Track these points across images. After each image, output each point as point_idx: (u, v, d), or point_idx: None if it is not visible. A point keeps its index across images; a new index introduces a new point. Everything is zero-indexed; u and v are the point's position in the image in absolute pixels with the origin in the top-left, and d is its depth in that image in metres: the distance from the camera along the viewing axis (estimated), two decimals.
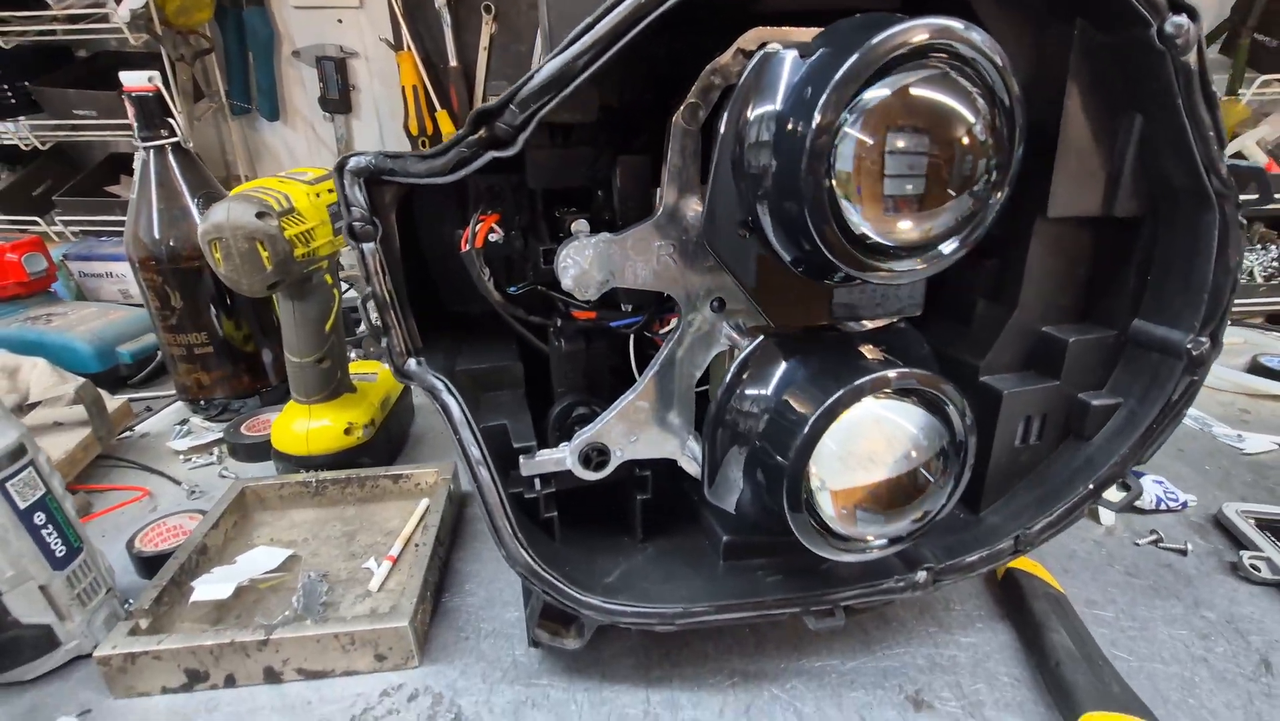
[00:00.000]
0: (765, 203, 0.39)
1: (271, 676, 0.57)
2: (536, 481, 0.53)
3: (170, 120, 0.88)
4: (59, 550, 0.57)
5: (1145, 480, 0.77)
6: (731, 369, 0.47)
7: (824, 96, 0.34)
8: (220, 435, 0.94)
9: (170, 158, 0.89)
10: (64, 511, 0.58)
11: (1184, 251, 0.47)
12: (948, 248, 0.39)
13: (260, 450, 0.88)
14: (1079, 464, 0.53)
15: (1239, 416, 0.96)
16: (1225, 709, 0.53)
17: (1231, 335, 1.15)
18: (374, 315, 0.49)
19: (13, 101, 1.26)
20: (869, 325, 0.49)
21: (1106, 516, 0.74)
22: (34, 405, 0.88)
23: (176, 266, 0.90)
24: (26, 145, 1.31)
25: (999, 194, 0.38)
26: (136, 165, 0.89)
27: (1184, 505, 0.75)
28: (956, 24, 0.35)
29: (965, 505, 0.57)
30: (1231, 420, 0.95)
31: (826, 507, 0.43)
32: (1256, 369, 1.05)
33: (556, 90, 0.38)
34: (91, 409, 0.86)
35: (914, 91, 0.35)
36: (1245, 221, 0.45)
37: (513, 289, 0.56)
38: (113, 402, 0.95)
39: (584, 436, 0.52)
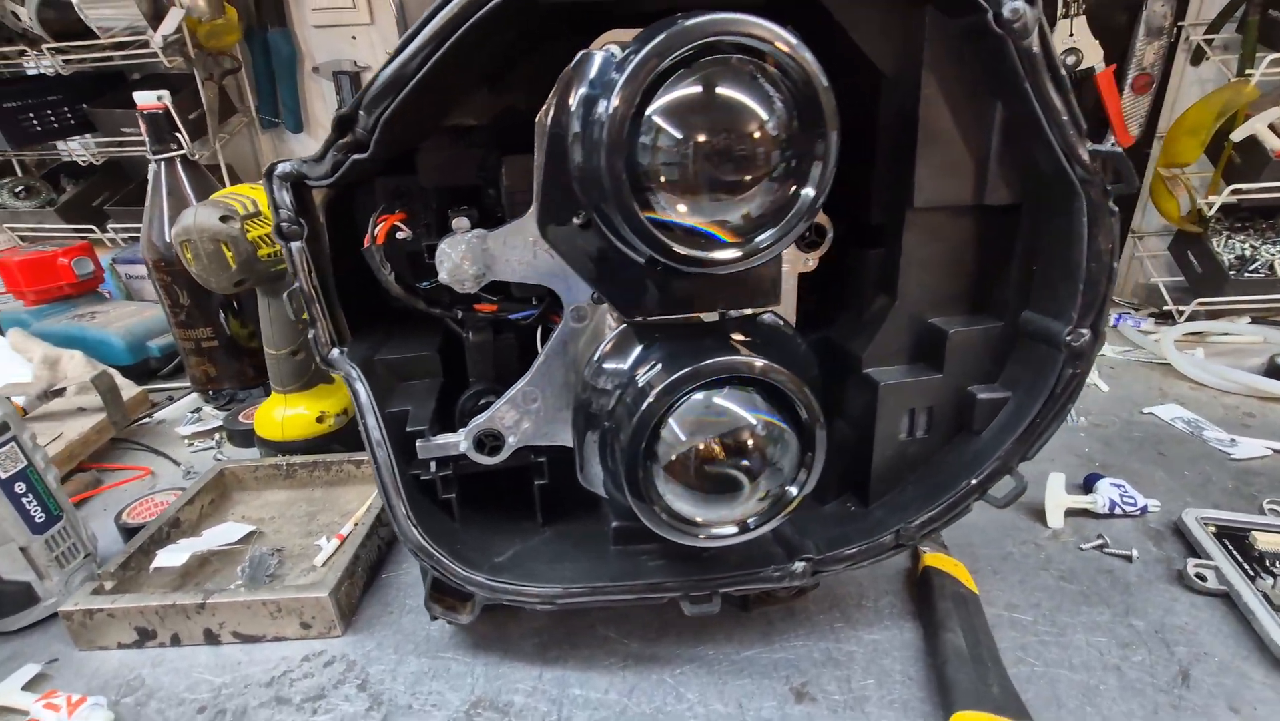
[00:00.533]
0: (589, 197, 0.41)
1: (211, 637, 0.62)
2: (433, 464, 0.56)
3: (177, 134, 0.97)
4: (38, 516, 0.64)
5: (1103, 483, 0.74)
6: (593, 354, 0.49)
7: (617, 89, 0.36)
8: (221, 422, 1.02)
9: (178, 168, 0.98)
10: (45, 483, 0.66)
11: (1060, 240, 0.46)
12: (765, 237, 0.39)
13: (252, 436, 0.96)
14: (967, 458, 0.52)
15: (1241, 420, 0.90)
16: (1123, 717, 0.50)
17: (1250, 333, 1.06)
18: (298, 308, 0.54)
19: (72, 122, 1.40)
20: (734, 315, 0.49)
21: (1054, 519, 0.71)
22: (61, 391, 0.98)
23: (184, 267, 0.99)
24: (84, 161, 1.46)
25: (809, 185, 0.39)
26: (150, 176, 0.98)
27: (1143, 510, 0.72)
28: (756, 23, 0.36)
29: (857, 499, 0.57)
30: (1230, 424, 0.89)
31: (664, 488, 0.44)
32: (1272, 369, 0.97)
33: (394, 94, 0.41)
34: (106, 396, 0.96)
35: (705, 85, 0.37)
36: (1115, 208, 0.44)
37: (425, 284, 0.59)
38: (130, 391, 1.04)
39: (477, 423, 0.55)
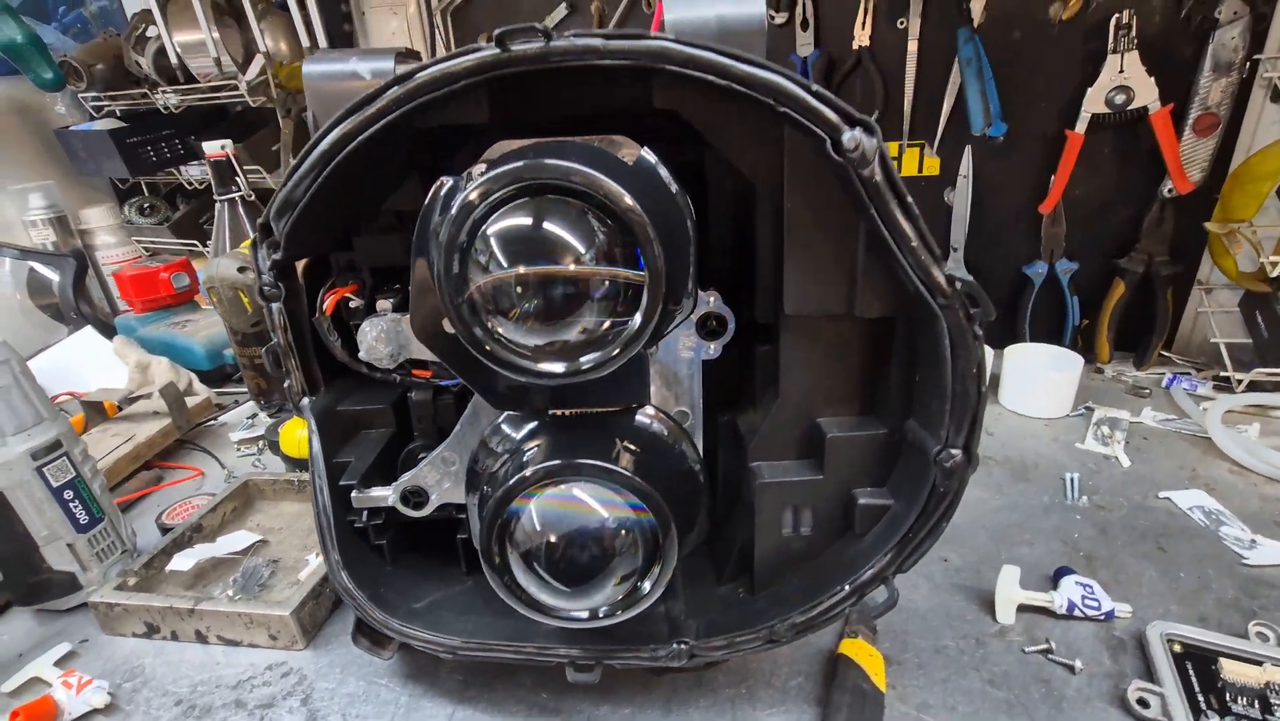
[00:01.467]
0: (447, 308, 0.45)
1: (201, 638, 0.73)
2: (365, 513, 0.62)
3: (237, 179, 1.10)
4: (83, 518, 0.77)
5: (1067, 580, 0.69)
6: (488, 428, 0.53)
7: (452, 218, 0.40)
8: (264, 433, 1.15)
9: (239, 208, 1.11)
10: (90, 489, 0.79)
11: (930, 356, 0.45)
12: (588, 360, 0.42)
13: None
14: (844, 561, 0.51)
15: (1275, 517, 0.80)
16: None
17: None
18: (274, 361, 0.61)
19: (181, 153, 1.61)
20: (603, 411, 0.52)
21: (1005, 613, 0.68)
22: (138, 399, 1.15)
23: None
24: (190, 185, 1.67)
25: (639, 314, 0.41)
26: (216, 214, 1.12)
27: (1109, 615, 0.66)
28: (580, 169, 0.39)
29: (749, 584, 0.57)
30: (1260, 521, 0.79)
31: (517, 569, 0.48)
32: None
33: (290, 210, 0.47)
34: (172, 405, 1.11)
35: (537, 220, 0.40)
36: (979, 331, 0.42)
37: None
38: (199, 397, 1.20)
39: (404, 479, 0.61)
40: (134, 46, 1.49)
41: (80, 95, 1.61)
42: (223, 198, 1.10)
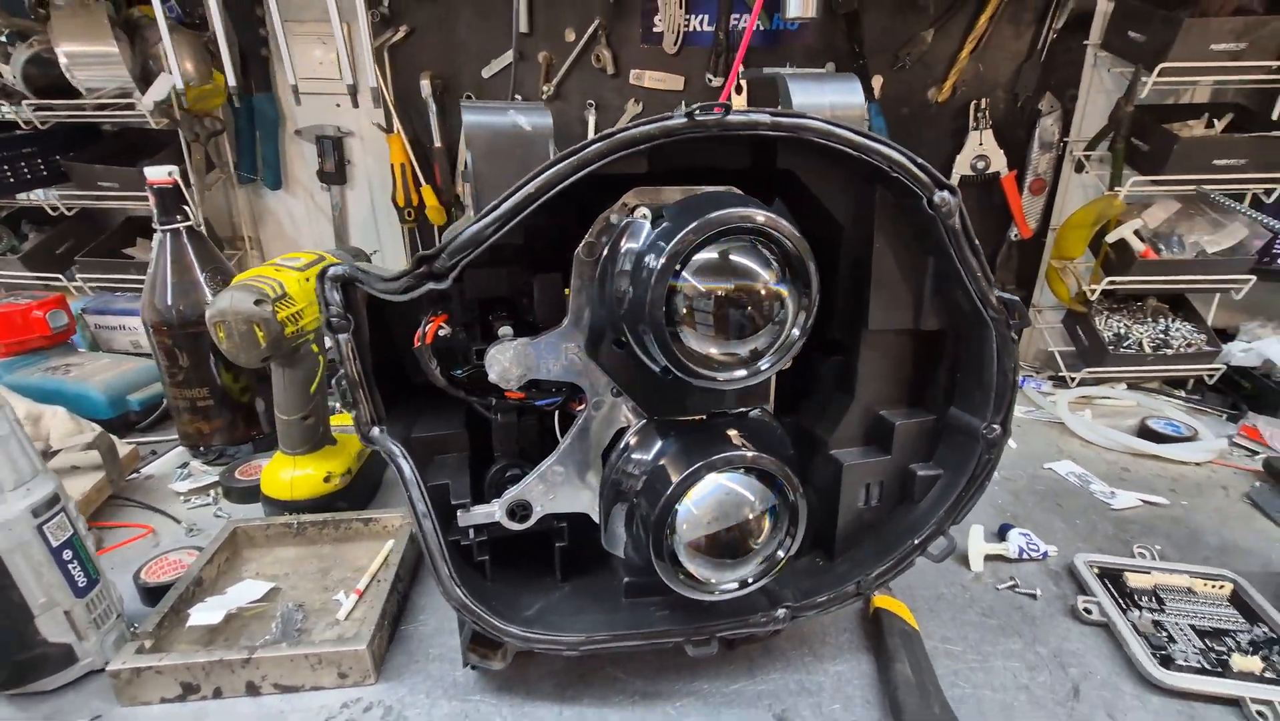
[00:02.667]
0: (629, 328, 0.53)
1: (252, 689, 0.69)
2: (471, 531, 0.65)
3: (185, 207, 1.02)
4: (81, 581, 0.69)
5: (1013, 532, 0.89)
6: (623, 442, 0.60)
7: (664, 255, 0.48)
8: (217, 478, 1.06)
9: (184, 239, 1.03)
10: (86, 548, 0.71)
11: (975, 358, 0.61)
12: (764, 364, 0.52)
13: (252, 493, 1.01)
14: (909, 523, 0.65)
15: (1119, 475, 1.09)
16: None
17: (1126, 398, 1.28)
18: (346, 391, 0.62)
19: (44, 174, 1.41)
20: (731, 413, 0.61)
21: (976, 563, 0.86)
22: (54, 451, 1.00)
23: (185, 330, 1.04)
24: (54, 211, 1.46)
25: (798, 326, 0.52)
26: (154, 244, 1.03)
27: (1044, 555, 0.87)
28: (760, 213, 0.49)
29: (824, 555, 0.69)
30: (1111, 478, 1.07)
31: (683, 555, 0.55)
32: (1143, 430, 1.17)
33: (473, 248, 0.52)
34: (106, 455, 0.99)
35: (726, 255, 0.49)
36: (1016, 338, 0.59)
37: (458, 371, 0.69)
38: (123, 449, 1.07)
39: (510, 495, 0.65)
40: None
41: None
42: (166, 227, 1.02)
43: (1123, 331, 1.29)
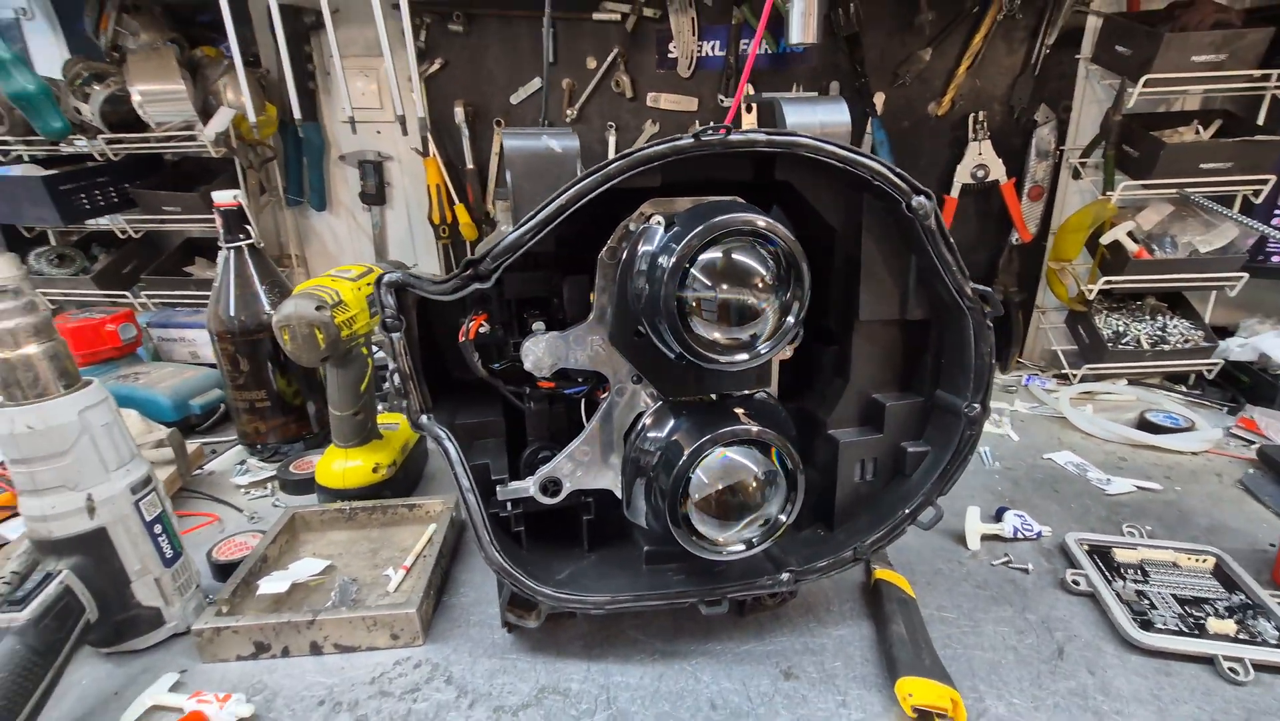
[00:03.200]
0: (646, 320, 0.61)
1: (315, 649, 0.77)
2: (508, 504, 0.74)
3: (247, 226, 1.14)
4: (169, 552, 0.79)
5: (1009, 514, 0.96)
6: (640, 423, 0.69)
7: (675, 255, 0.57)
8: (273, 473, 1.16)
9: (246, 255, 1.15)
10: (172, 525, 0.80)
11: (956, 344, 0.68)
12: (763, 348, 0.60)
13: (305, 485, 1.11)
14: (900, 495, 0.72)
15: (1116, 464, 1.14)
16: (1016, 681, 0.70)
17: (1126, 393, 1.33)
18: (398, 384, 0.71)
19: (115, 200, 1.55)
20: (737, 395, 0.70)
21: (973, 542, 0.92)
22: None
23: (246, 338, 1.15)
24: (122, 234, 1.60)
25: (792, 315, 0.60)
26: (219, 260, 1.15)
27: (1038, 535, 0.93)
28: (759, 218, 0.57)
29: (825, 527, 0.77)
30: (1108, 466, 1.12)
31: (694, 517, 0.63)
32: (1142, 423, 1.22)
33: (513, 253, 0.61)
34: (178, 451, 1.10)
35: (728, 254, 0.58)
36: (991, 325, 0.66)
37: (496, 365, 0.78)
38: (190, 447, 1.18)
39: (543, 472, 0.73)
40: (74, 92, 1.44)
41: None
42: (230, 245, 1.13)
43: (1121, 329, 1.34)
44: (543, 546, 0.78)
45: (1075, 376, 1.38)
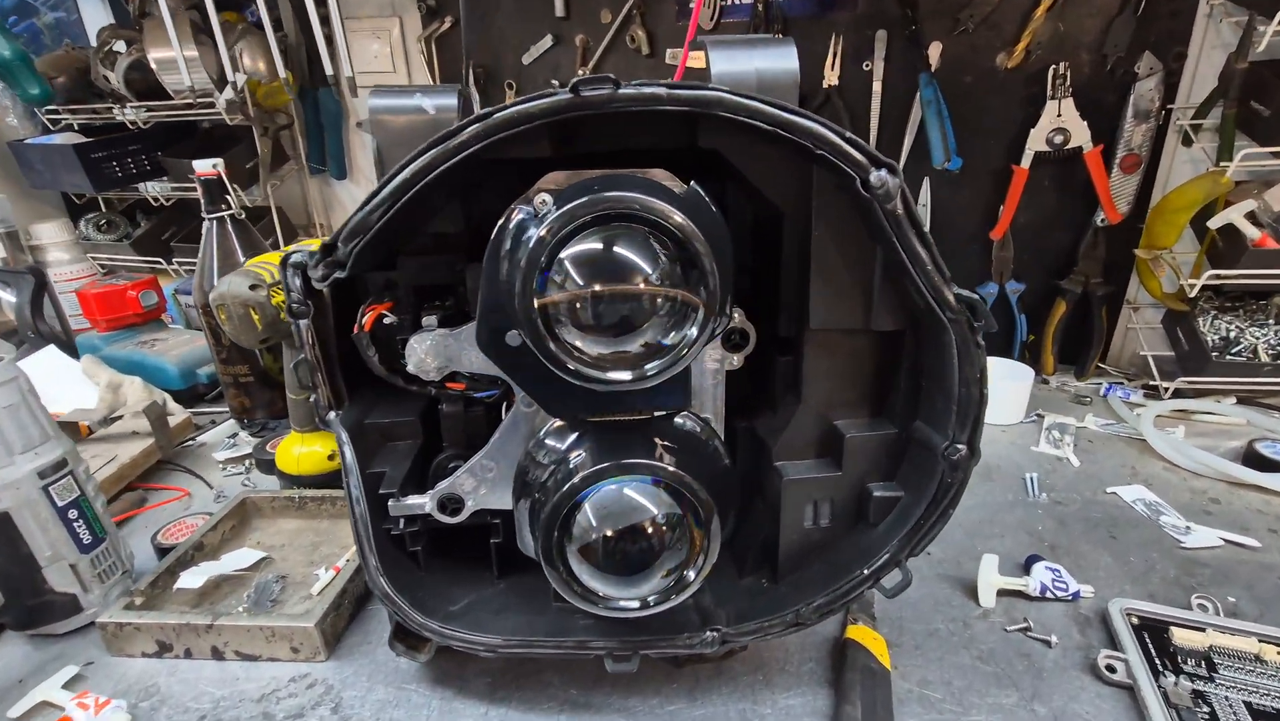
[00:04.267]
0: (516, 322, 0.49)
1: (217, 654, 0.73)
2: (402, 521, 0.65)
3: (228, 197, 1.10)
4: (86, 538, 0.76)
5: (1038, 566, 0.77)
6: (542, 430, 0.57)
7: (533, 243, 0.44)
8: (251, 450, 1.14)
9: (228, 226, 1.11)
10: (94, 509, 0.78)
11: (936, 363, 0.52)
12: (652, 367, 0.47)
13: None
14: (861, 548, 0.57)
15: (1204, 506, 0.91)
16: None
17: (1234, 414, 1.07)
18: (304, 376, 0.63)
19: (148, 169, 1.58)
20: (656, 415, 0.57)
21: (986, 598, 0.75)
22: (117, 417, 1.12)
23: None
24: (155, 202, 1.63)
25: (695, 326, 0.46)
26: (203, 231, 1.12)
27: (1075, 596, 0.75)
28: (647, 199, 0.44)
29: (770, 574, 0.63)
30: (1192, 510, 0.90)
31: (575, 563, 0.52)
32: (1250, 455, 0.98)
33: (361, 235, 0.51)
34: (155, 424, 1.09)
35: (609, 245, 0.44)
36: (981, 342, 0.49)
37: (405, 362, 0.69)
38: (179, 417, 1.18)
39: (441, 487, 0.64)
40: (102, 60, 1.46)
41: (36, 108, 1.57)
42: (212, 216, 1.10)
43: (1233, 335, 1.07)
44: (449, 567, 0.69)
45: (1167, 390, 1.13)
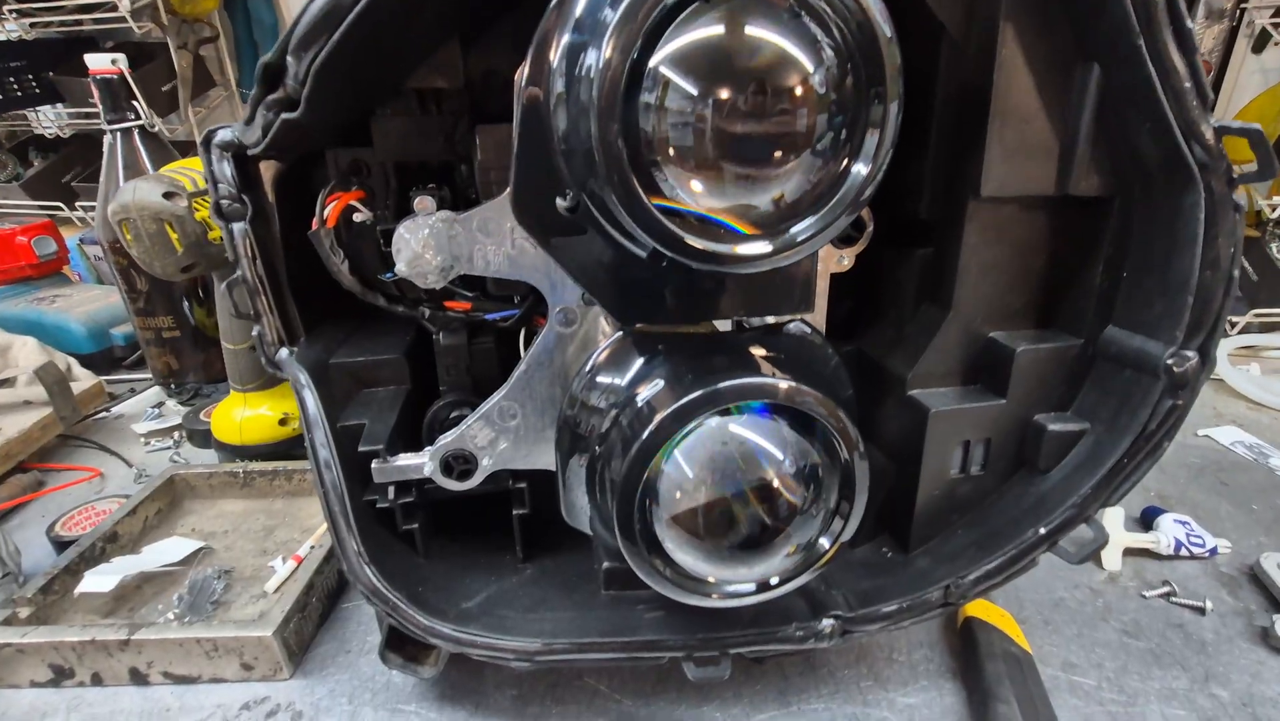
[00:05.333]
0: (578, 180, 0.32)
1: (138, 677, 0.54)
2: (391, 490, 0.47)
3: (135, 103, 0.88)
4: None
5: (1165, 519, 0.65)
6: (584, 365, 0.40)
7: (609, 32, 0.27)
8: (181, 420, 0.93)
9: (136, 140, 0.89)
10: None
11: (1163, 242, 0.37)
12: (801, 229, 0.30)
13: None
14: (1030, 502, 0.43)
15: None
16: None
17: None
18: (242, 300, 0.45)
19: (37, 91, 1.31)
20: (752, 326, 0.40)
21: (1111, 560, 0.62)
22: (6, 381, 0.89)
23: None
24: (52, 134, 1.37)
25: (864, 161, 0.30)
26: (105, 147, 0.89)
27: (1212, 552, 0.63)
28: None
29: (896, 544, 0.48)
30: None
31: (668, 538, 0.35)
32: None
33: (328, 31, 0.32)
34: (53, 389, 0.87)
35: (729, 24, 0.28)
36: (1241, 202, 0.35)
37: (388, 275, 0.51)
38: (87, 383, 0.96)
39: (445, 441, 0.46)
40: None
41: None
42: (115, 127, 0.87)
43: None
44: (455, 552, 0.52)
45: (1235, 325, 1.02)
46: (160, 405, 1.01)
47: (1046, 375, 0.42)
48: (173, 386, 1.00)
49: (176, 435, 0.92)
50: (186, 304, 0.96)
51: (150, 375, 1.08)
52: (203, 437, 0.89)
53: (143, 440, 0.92)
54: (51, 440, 0.88)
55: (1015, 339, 0.42)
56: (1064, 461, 0.43)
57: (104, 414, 0.99)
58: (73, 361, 1.02)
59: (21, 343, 1.00)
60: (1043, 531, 0.42)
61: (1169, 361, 0.37)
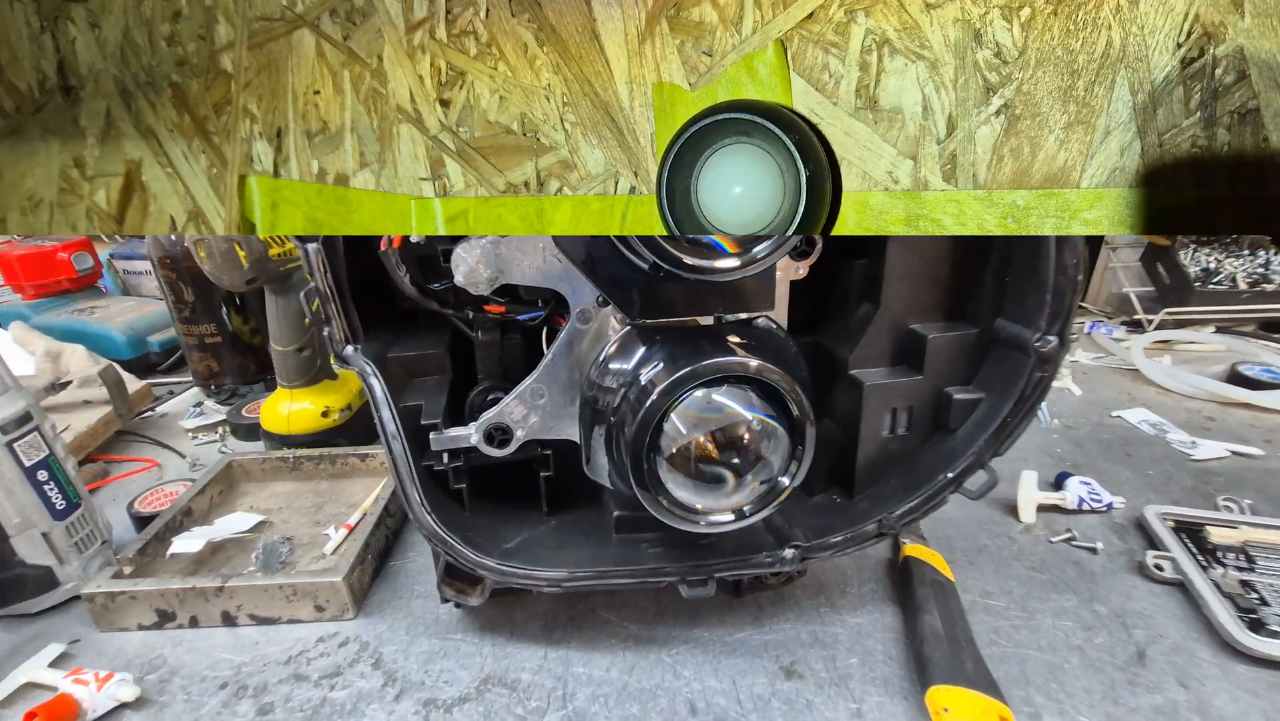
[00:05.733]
0: None
1: (228, 620, 0.65)
2: (445, 456, 0.59)
3: None
4: (59, 503, 0.67)
5: (1072, 481, 0.79)
6: (599, 354, 0.53)
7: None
8: (225, 416, 1.04)
9: None
10: (65, 471, 0.68)
11: (1029, 254, 0.51)
12: (760, 249, 0.43)
13: (257, 430, 0.98)
14: (943, 454, 0.56)
15: (1202, 424, 0.95)
16: (1084, 692, 0.55)
17: (1214, 342, 1.12)
18: (316, 307, 0.57)
19: None
20: (730, 319, 0.53)
21: (1026, 514, 0.76)
22: (65, 383, 1.00)
23: (190, 264, 1.01)
24: None
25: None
26: None
27: (1109, 506, 0.76)
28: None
29: (843, 492, 0.61)
30: (1192, 427, 0.94)
31: (668, 479, 0.48)
32: (1234, 377, 1.03)
33: None
34: (113, 389, 0.98)
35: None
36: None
37: (436, 285, 0.63)
38: (134, 385, 1.07)
39: (488, 417, 0.58)
40: None
41: None
42: None
43: (1212, 266, 1.13)
44: (491, 508, 0.64)
45: (1150, 323, 1.17)
46: (200, 405, 1.12)
47: (953, 356, 0.56)
48: (213, 387, 1.11)
49: (220, 430, 1.03)
50: (225, 312, 1.07)
51: (187, 379, 1.19)
52: (245, 431, 1.00)
53: (190, 434, 1.03)
54: (111, 435, 0.99)
55: (929, 329, 0.55)
56: (967, 422, 0.56)
57: (150, 413, 1.10)
58: (118, 366, 1.13)
59: (71, 350, 1.10)
60: (950, 476, 0.55)
61: (1036, 343, 0.51)
